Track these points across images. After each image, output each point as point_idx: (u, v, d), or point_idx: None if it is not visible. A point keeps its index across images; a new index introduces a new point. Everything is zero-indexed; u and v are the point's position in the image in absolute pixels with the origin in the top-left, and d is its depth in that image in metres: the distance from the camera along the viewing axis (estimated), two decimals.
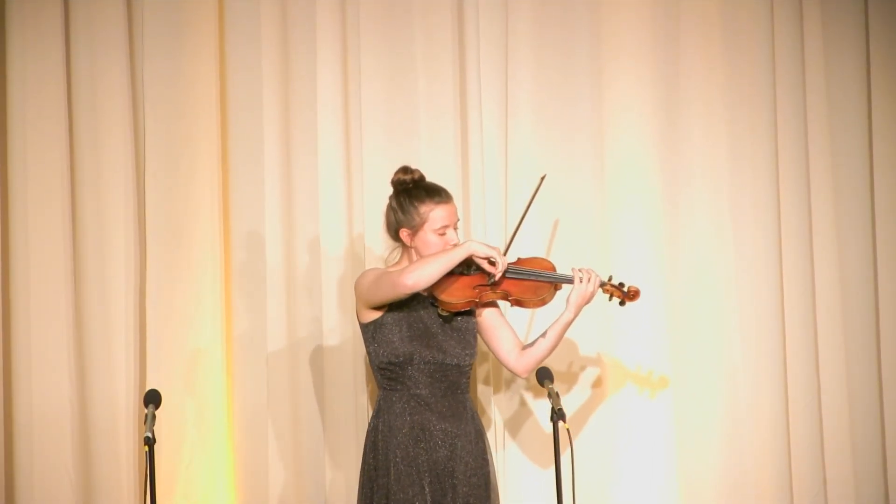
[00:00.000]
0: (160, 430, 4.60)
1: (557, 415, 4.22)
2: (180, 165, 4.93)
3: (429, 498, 4.24)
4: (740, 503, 5.12)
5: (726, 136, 5.19)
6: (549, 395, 4.30)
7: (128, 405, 4.79)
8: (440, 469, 4.27)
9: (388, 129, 5.07)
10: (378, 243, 4.71)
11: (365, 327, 4.35)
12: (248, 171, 4.98)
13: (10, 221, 4.79)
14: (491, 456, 4.40)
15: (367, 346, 4.36)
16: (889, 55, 5.19)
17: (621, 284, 4.42)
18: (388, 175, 4.54)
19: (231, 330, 4.94)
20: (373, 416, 4.37)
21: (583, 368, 5.07)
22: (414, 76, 5.09)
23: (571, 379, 5.06)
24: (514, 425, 5.05)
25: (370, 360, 4.38)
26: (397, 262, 4.44)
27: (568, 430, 4.21)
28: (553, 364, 4.92)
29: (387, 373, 4.32)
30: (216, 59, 4.94)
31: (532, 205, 4.60)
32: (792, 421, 5.13)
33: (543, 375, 4.42)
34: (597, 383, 5.09)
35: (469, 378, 4.40)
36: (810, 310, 5.15)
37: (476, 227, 5.01)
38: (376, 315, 4.32)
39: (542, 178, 4.64)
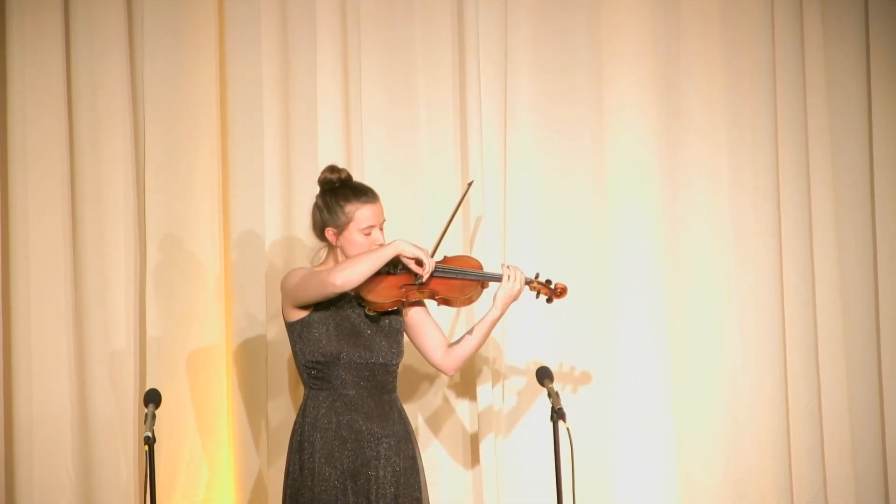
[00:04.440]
0: (160, 430, 4.59)
1: (558, 414, 4.21)
2: (180, 165, 4.93)
3: (351, 500, 4.21)
4: (740, 503, 5.12)
5: (726, 136, 5.19)
6: (549, 395, 4.29)
7: (128, 405, 4.79)
8: (365, 470, 4.23)
9: (388, 130, 5.07)
10: None
11: (291, 326, 4.32)
12: (248, 171, 4.98)
13: (10, 221, 4.78)
14: (420, 456, 4.35)
15: (293, 346, 4.33)
16: (889, 55, 5.19)
17: (548, 282, 4.40)
18: (389, 175, 4.55)
19: (231, 330, 4.94)
20: (298, 416, 4.34)
21: (583, 368, 5.07)
22: (414, 77, 5.09)
23: (571, 379, 5.05)
24: (512, 424, 5.05)
25: (296, 360, 4.35)
26: (323, 263, 4.39)
27: (568, 429, 4.21)
28: (552, 364, 4.93)
29: (313, 372, 4.29)
30: (216, 59, 4.94)
31: (459, 208, 4.62)
32: (792, 421, 5.13)
33: (543, 375, 4.41)
34: (597, 383, 5.08)
35: (396, 378, 4.35)
36: (810, 309, 5.16)
37: (475, 226, 5.01)
38: (303, 314, 4.29)
39: (470, 185, 4.66)
